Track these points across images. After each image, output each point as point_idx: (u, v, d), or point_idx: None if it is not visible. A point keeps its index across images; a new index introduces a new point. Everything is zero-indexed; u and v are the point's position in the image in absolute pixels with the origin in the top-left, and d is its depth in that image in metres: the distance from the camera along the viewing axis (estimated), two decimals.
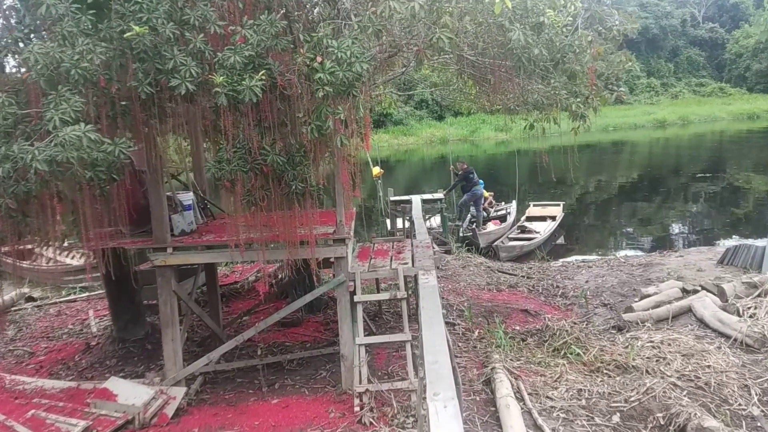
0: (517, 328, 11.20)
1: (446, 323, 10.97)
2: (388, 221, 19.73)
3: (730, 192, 29.30)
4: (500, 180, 32.86)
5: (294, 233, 7.87)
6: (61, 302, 14.11)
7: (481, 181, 21.63)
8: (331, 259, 8.66)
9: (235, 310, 12.29)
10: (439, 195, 18.29)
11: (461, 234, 19.56)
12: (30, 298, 14.53)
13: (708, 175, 34.36)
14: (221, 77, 6.86)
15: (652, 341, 9.41)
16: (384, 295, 9.20)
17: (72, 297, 14.38)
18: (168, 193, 9.22)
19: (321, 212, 10.39)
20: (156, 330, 10.63)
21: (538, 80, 9.34)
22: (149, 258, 8.46)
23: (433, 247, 16.35)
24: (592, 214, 25.35)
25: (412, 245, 10.03)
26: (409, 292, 9.94)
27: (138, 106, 7.54)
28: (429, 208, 18.16)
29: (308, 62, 7.12)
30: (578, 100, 8.84)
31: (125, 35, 6.28)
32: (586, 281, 13.94)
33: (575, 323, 11.25)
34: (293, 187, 7.50)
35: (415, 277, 8.39)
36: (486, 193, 21.82)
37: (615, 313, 11.61)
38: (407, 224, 16.38)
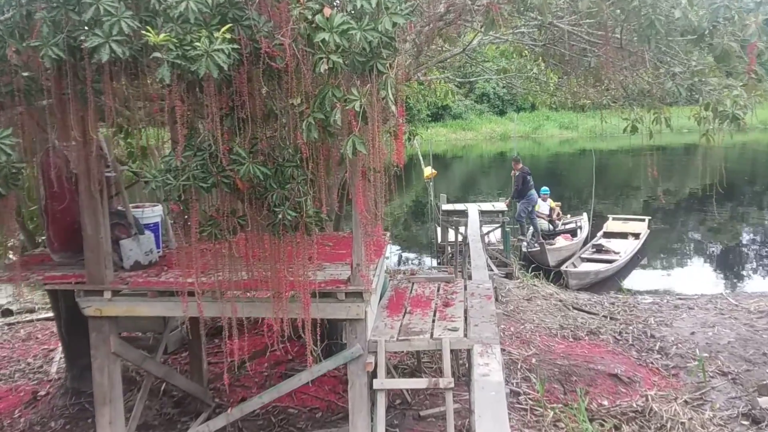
0: (605, 403, 8.21)
1: (508, 392, 8.02)
2: (438, 231, 16.82)
3: None
4: (564, 183, 29.50)
5: (281, 280, 5.07)
6: (38, 320, 11.69)
7: (545, 188, 18.48)
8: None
9: (234, 350, 9.56)
10: (502, 206, 15.25)
11: (524, 250, 16.47)
12: (7, 312, 12.18)
13: None
14: (163, 36, 4.18)
15: None
16: (419, 382, 6.31)
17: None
18: (118, 207, 6.53)
19: (334, 238, 7.56)
20: (124, 379, 8.03)
21: (664, 61, 6.25)
22: (78, 304, 5.79)
23: (491, 269, 13.40)
24: (677, 230, 21.79)
25: (465, 291, 7.11)
26: (458, 372, 7.06)
27: (55, 80, 4.94)
28: (489, 220, 15.14)
29: (309, 16, 4.33)
30: (735, 93, 5.72)
31: None
32: (692, 332, 10.72)
33: (687, 402, 8.17)
34: (279, 215, 4.67)
35: (469, 358, 5.51)
36: (552, 203, 18.65)
37: (742, 390, 8.46)
38: (459, 237, 13.45)
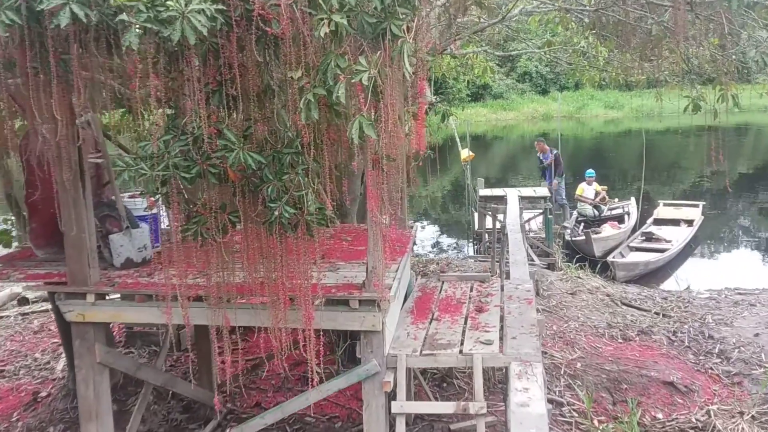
0: (660, 416, 7.31)
1: (548, 401, 7.14)
2: (475, 217, 15.90)
3: None
4: (609, 165, 28.12)
5: (280, 284, 4.29)
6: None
7: (590, 170, 17.36)
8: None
9: (252, 347, 8.89)
10: (544, 191, 14.22)
11: (568, 238, 15.43)
12: (23, 300, 11.71)
13: None
14: None
15: None
16: (446, 406, 5.46)
17: None
18: (112, 198, 5.83)
19: (354, 231, 6.75)
20: (130, 380, 7.41)
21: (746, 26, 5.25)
22: (59, 308, 5.12)
23: (532, 259, 12.46)
24: (733, 216, 20.39)
25: (502, 293, 6.26)
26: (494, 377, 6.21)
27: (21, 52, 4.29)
28: (530, 206, 14.15)
29: None
30: None
31: None
32: (756, 334, 9.64)
33: (754, 418, 7.20)
34: (275, 211, 3.87)
35: (506, 376, 4.67)
36: (598, 187, 17.48)
37: None
38: (498, 225, 12.51)
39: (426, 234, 19.65)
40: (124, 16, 3.50)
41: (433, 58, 4.20)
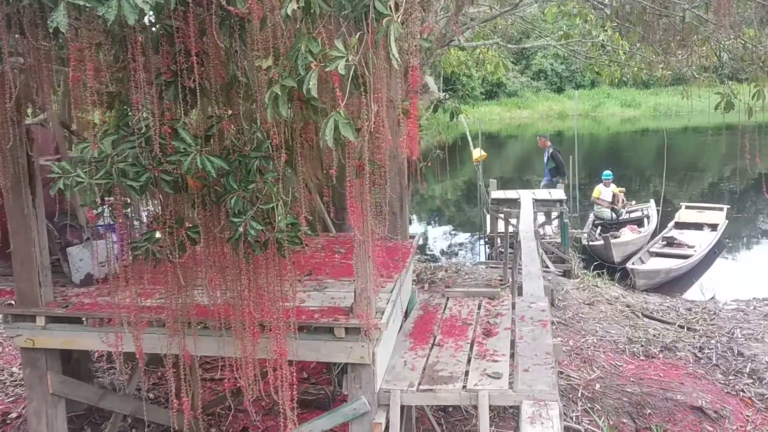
0: None
1: (565, 428, 6.45)
2: (487, 219, 15.20)
3: None
4: (625, 164, 27.23)
5: (247, 309, 3.63)
6: None
7: (608, 171, 16.57)
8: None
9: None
10: (560, 193, 13.48)
11: (585, 243, 14.68)
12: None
13: None
14: None
15: None
16: None
17: None
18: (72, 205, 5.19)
19: (349, 241, 6.07)
20: (111, 391, 6.78)
21: None
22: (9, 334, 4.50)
23: (547, 266, 11.74)
24: (758, 220, 19.51)
25: (513, 312, 5.57)
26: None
27: None
28: (544, 209, 13.42)
29: None
30: None
31: None
32: None
33: None
34: (239, 228, 3.21)
35: (517, 418, 3.99)
36: (615, 188, 16.70)
37: None
38: (511, 229, 11.82)
39: (437, 234, 19.00)
40: None
41: (429, 44, 3.51)
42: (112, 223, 5.21)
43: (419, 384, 4.29)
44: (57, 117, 5.17)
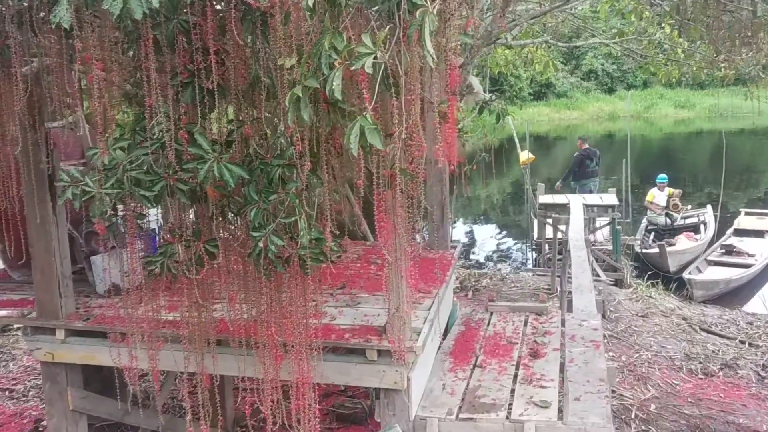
0: None
1: None
2: (535, 224, 14.70)
3: None
4: (679, 167, 26.24)
5: (269, 327, 3.35)
6: None
7: (663, 175, 15.86)
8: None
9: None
10: (612, 198, 12.92)
11: (638, 250, 14.06)
12: None
13: None
14: None
15: None
16: None
17: None
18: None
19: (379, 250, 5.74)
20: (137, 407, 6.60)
21: None
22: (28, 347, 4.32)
23: (597, 275, 11.21)
24: None
25: (563, 330, 5.17)
26: None
27: None
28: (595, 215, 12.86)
29: None
30: None
31: None
32: None
33: None
34: (259, 243, 2.92)
35: None
36: (671, 190, 15.94)
37: None
38: (559, 235, 11.33)
39: (482, 238, 18.56)
40: None
41: (471, 39, 3.14)
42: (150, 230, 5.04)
43: (459, 412, 3.93)
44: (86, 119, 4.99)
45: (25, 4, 2.99)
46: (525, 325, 5.34)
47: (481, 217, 21.70)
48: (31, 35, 3.31)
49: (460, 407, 4.00)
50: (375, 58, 2.40)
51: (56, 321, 4.16)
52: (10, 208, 4.77)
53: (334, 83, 2.43)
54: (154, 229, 5.26)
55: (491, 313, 5.62)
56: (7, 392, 8.07)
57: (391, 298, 3.45)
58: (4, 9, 3.08)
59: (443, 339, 5.02)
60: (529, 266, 14.21)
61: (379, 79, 2.47)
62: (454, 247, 5.62)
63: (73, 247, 4.84)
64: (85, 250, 4.76)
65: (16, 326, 9.54)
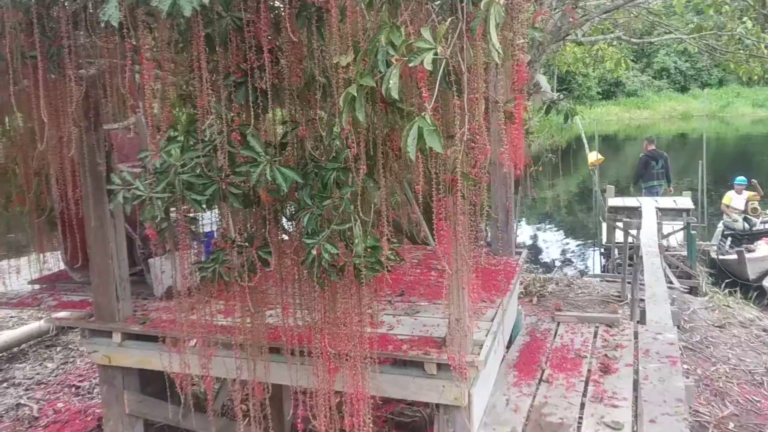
0: None
1: None
2: (603, 228, 14.18)
3: None
4: (757, 169, 24.97)
5: (323, 335, 3.20)
6: None
7: (741, 177, 15.06)
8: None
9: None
10: (688, 202, 12.33)
11: (715, 256, 13.38)
12: None
13: None
14: None
15: None
16: None
17: None
18: None
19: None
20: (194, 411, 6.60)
21: None
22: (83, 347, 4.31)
23: (671, 282, 10.69)
24: None
25: (635, 343, 4.85)
26: None
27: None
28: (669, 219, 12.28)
29: None
30: None
31: None
32: None
33: None
34: (312, 250, 2.77)
35: None
36: (750, 194, 15.13)
37: None
38: (630, 241, 10.84)
39: (547, 241, 18.09)
40: None
41: (541, 34, 2.90)
42: (210, 231, 4.99)
43: (523, 430, 3.70)
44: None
45: (80, 5, 2.93)
46: (595, 337, 5.04)
47: (547, 218, 21.19)
48: (88, 36, 3.26)
49: (525, 426, 3.76)
50: (435, 53, 2.21)
51: (113, 324, 4.13)
52: (70, 210, 4.83)
53: (391, 81, 2.26)
54: (212, 231, 5.22)
55: (558, 324, 5.35)
56: (73, 389, 8.24)
57: (451, 310, 3.25)
58: (59, 10, 3.03)
59: (507, 350, 4.78)
60: (597, 271, 13.71)
61: (439, 77, 2.28)
62: (519, 253, 5.37)
63: (132, 249, 4.83)
64: (144, 252, 4.73)
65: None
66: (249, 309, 3.18)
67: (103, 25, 2.58)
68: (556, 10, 6.94)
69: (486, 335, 3.70)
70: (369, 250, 2.76)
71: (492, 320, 3.94)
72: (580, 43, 8.15)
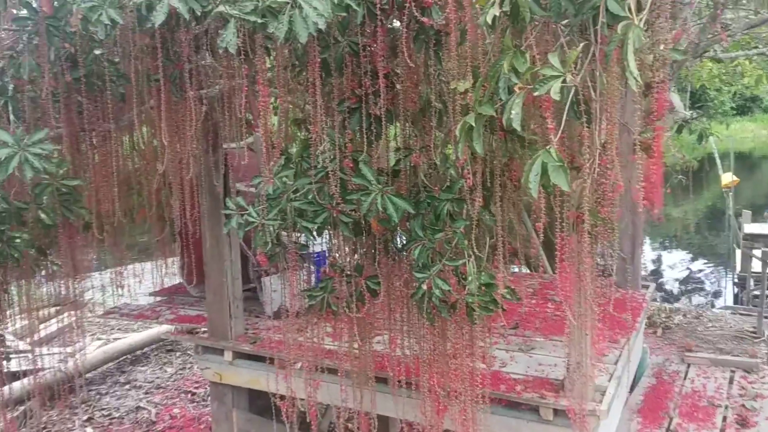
0: None
1: None
2: (737, 255, 13.14)
3: None
4: None
5: (433, 379, 3.04)
6: None
7: None
8: None
9: None
10: None
11: None
12: None
13: None
14: None
15: None
16: None
17: None
18: None
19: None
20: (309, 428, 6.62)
21: None
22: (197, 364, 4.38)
23: None
24: None
25: None
26: None
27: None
28: None
29: None
30: None
31: None
32: None
33: None
34: (422, 286, 2.63)
35: None
36: None
37: None
38: (766, 268, 9.95)
39: (673, 265, 16.98)
40: (222, 8, 2.52)
41: (683, 56, 2.63)
42: (309, 253, 4.98)
43: None
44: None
45: (202, 29, 2.96)
46: (730, 383, 4.58)
47: (672, 242, 19.95)
48: (209, 59, 3.30)
49: None
50: (564, 81, 2.02)
51: (225, 342, 4.17)
52: (188, 228, 4.96)
53: (513, 111, 2.08)
54: (322, 253, 5.20)
55: (688, 366, 4.92)
56: (189, 395, 8.52)
57: (571, 351, 3.01)
58: (182, 34, 3.08)
59: (630, 392, 4.43)
60: (729, 303, 12.71)
61: (568, 107, 2.08)
62: (646, 287, 4.99)
63: (247, 267, 4.89)
64: (257, 270, 4.77)
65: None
66: (356, 337, 3.08)
67: (220, 51, 2.56)
68: (694, 25, 6.47)
69: (609, 380, 3.41)
70: (483, 288, 2.59)
71: (616, 363, 3.64)
72: (720, 60, 7.57)
